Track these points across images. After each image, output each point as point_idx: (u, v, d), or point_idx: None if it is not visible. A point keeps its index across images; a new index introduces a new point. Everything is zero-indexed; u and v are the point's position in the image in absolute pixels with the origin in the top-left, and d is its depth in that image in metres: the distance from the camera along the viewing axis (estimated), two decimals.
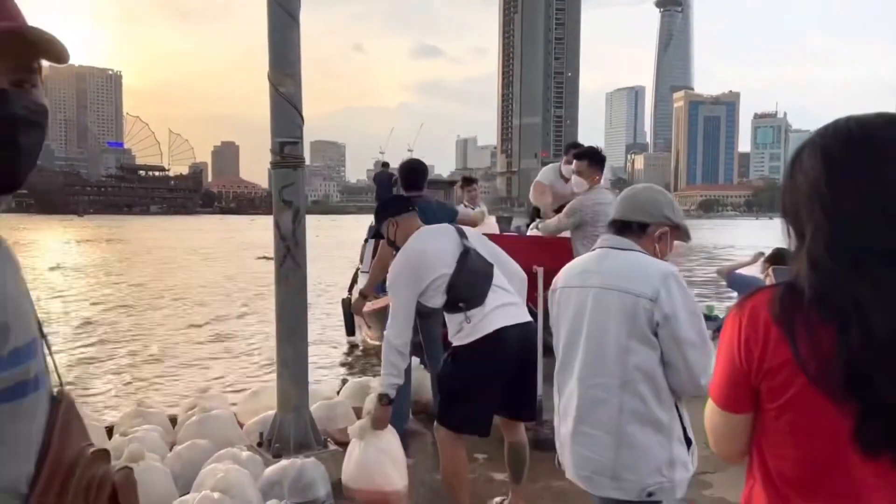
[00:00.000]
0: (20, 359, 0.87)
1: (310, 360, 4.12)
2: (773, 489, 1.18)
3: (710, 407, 1.28)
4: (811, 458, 1.12)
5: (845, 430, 1.05)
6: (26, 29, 0.87)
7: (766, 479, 1.19)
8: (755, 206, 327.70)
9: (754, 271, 6.05)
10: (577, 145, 5.69)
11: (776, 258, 6.12)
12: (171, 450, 3.86)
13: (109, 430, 4.29)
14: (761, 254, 6.09)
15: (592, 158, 4.96)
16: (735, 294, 6.17)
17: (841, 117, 1.16)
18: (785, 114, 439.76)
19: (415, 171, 4.88)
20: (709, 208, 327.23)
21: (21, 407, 0.88)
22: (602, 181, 4.96)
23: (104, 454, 1.01)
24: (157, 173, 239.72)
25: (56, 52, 0.90)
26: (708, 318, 6.46)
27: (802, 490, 1.14)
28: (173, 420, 4.50)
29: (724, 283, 6.35)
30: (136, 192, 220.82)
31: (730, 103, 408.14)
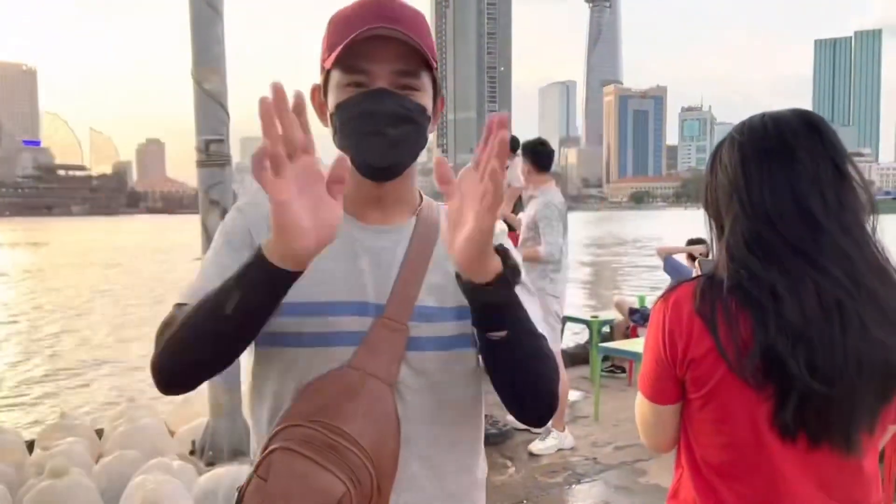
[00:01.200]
0: None
1: (241, 363, 4.02)
2: (699, 476, 1.21)
3: (639, 399, 1.31)
4: (733, 443, 1.16)
5: (764, 414, 1.10)
6: (407, 38, 1.01)
7: (693, 467, 1.22)
8: (683, 196, 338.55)
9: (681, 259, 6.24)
10: (514, 140, 5.34)
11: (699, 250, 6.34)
12: (97, 462, 3.70)
13: (31, 445, 4.08)
14: (699, 240, 6.22)
15: (514, 149, 4.84)
16: (667, 279, 6.35)
17: (757, 114, 1.21)
18: (710, 107, 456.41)
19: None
20: (640, 200, 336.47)
21: None
22: (511, 173, 4.67)
23: None
24: (77, 173, 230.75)
25: (431, 60, 1.05)
26: (635, 310, 6.61)
27: (726, 475, 1.17)
28: (99, 432, 4.31)
29: (659, 266, 6.54)
30: (56, 192, 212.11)
31: (657, 97, 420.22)
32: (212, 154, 3.68)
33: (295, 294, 0.97)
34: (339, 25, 1.06)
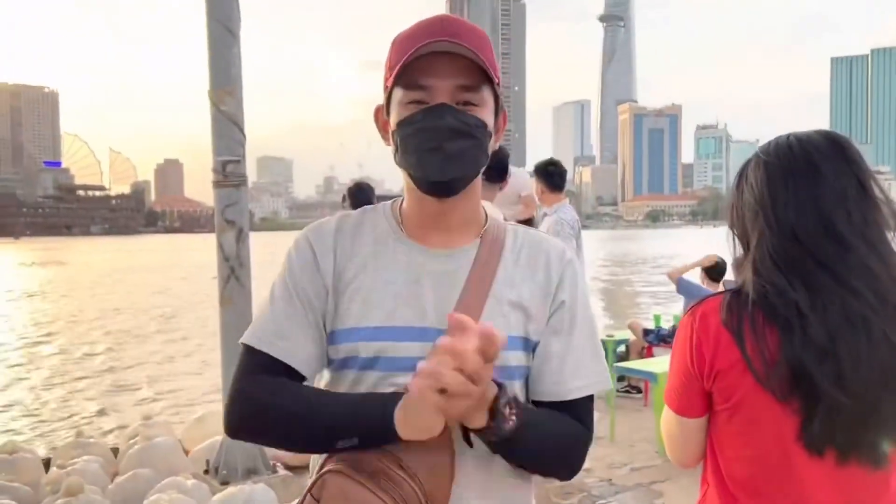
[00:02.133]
0: None
1: None
2: (725, 491, 1.22)
3: (666, 413, 1.32)
4: (759, 457, 1.17)
5: (791, 429, 1.12)
6: (467, 52, 1.02)
7: (719, 481, 1.24)
8: (699, 215, 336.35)
9: (695, 277, 6.18)
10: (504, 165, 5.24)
11: (713, 268, 6.28)
12: (112, 481, 3.71)
13: (47, 463, 4.10)
14: (715, 256, 6.17)
15: (534, 172, 4.90)
16: (682, 299, 6.30)
17: (783, 134, 1.24)
18: (725, 125, 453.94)
19: (362, 190, 5.28)
20: (655, 218, 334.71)
21: None
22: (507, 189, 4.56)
23: None
24: (97, 193, 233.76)
25: (494, 76, 1.06)
26: (649, 331, 6.56)
27: (752, 491, 1.19)
28: (115, 450, 4.32)
29: (672, 287, 6.50)
30: (76, 212, 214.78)
31: (673, 115, 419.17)
32: (228, 174, 3.71)
33: (359, 319, 1.06)
34: (402, 45, 1.06)
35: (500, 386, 0.98)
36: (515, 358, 1.09)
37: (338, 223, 1.15)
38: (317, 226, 1.16)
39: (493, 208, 3.73)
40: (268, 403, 1.04)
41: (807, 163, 1.17)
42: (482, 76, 1.05)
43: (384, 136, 1.14)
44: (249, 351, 1.09)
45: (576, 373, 1.13)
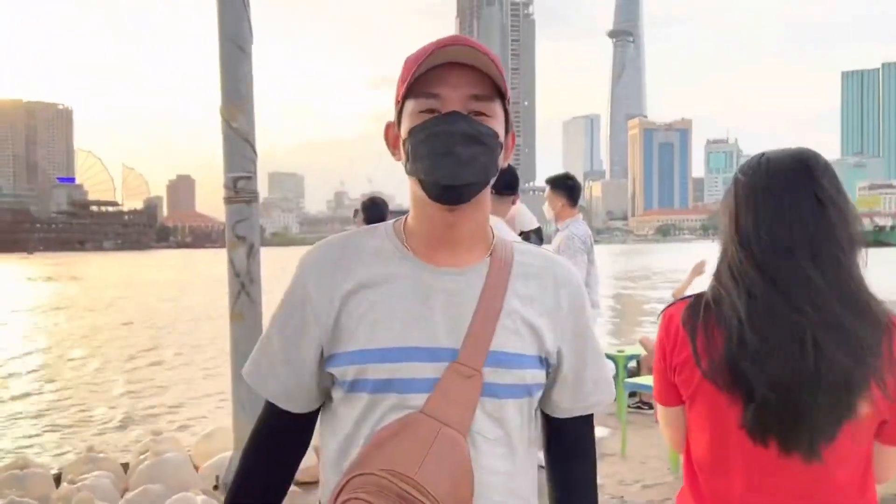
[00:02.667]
0: None
1: None
2: (691, 469, 1.38)
3: (655, 403, 1.48)
4: (712, 441, 1.31)
5: (734, 417, 1.24)
6: (480, 62, 1.04)
7: (688, 461, 1.40)
8: (710, 229, 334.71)
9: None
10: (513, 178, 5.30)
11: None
12: (122, 497, 3.71)
13: (58, 478, 4.11)
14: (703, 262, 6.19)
15: (554, 184, 4.89)
16: None
17: (758, 153, 1.34)
18: (736, 139, 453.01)
19: (376, 205, 5.20)
20: (666, 233, 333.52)
21: None
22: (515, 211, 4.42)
23: None
24: (109, 208, 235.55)
25: (503, 88, 1.07)
26: None
27: (708, 470, 1.34)
28: (125, 466, 4.33)
29: None
30: (89, 228, 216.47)
31: (683, 130, 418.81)
32: (239, 190, 3.74)
33: (370, 341, 1.05)
34: (414, 61, 1.07)
35: None
36: (531, 376, 1.10)
37: (337, 246, 1.14)
38: (315, 255, 1.15)
39: (504, 225, 3.72)
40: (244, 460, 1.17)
41: (768, 181, 1.27)
42: (493, 89, 1.06)
43: (394, 152, 1.14)
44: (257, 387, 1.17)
45: (594, 388, 1.19)
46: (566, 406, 1.19)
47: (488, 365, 1.05)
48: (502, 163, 1.11)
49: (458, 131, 1.03)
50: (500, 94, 1.08)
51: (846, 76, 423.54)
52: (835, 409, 1.18)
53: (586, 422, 1.22)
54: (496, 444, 1.07)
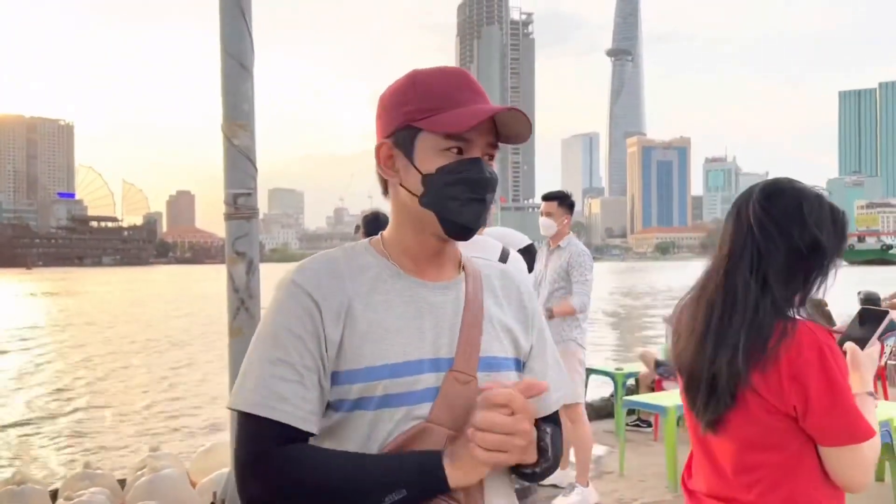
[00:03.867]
0: None
1: None
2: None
3: None
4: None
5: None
6: (505, 112, 1.12)
7: None
8: (709, 247, 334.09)
9: None
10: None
11: None
12: None
13: (54, 495, 4.09)
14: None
15: (562, 200, 4.92)
16: None
17: (755, 184, 1.52)
18: (734, 157, 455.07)
19: (378, 220, 5.06)
20: (665, 250, 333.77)
21: None
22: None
23: None
24: (109, 224, 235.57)
25: (520, 135, 1.16)
26: (661, 363, 6.52)
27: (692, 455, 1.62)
28: (122, 482, 4.31)
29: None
30: (88, 243, 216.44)
31: (681, 148, 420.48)
32: (240, 207, 3.74)
33: (374, 358, 1.08)
34: (432, 91, 1.13)
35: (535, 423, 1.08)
36: (513, 378, 1.17)
37: (327, 265, 1.15)
38: (308, 272, 1.13)
39: (492, 240, 3.67)
40: (303, 479, 1.03)
41: (735, 206, 1.50)
42: (498, 135, 1.16)
43: (387, 172, 1.16)
44: (252, 419, 1.05)
45: (559, 385, 1.28)
46: (537, 404, 1.21)
47: (480, 370, 1.12)
48: None
49: (487, 180, 1.12)
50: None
51: (843, 96, 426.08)
52: (711, 397, 1.44)
53: (554, 420, 1.27)
54: None
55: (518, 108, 1.12)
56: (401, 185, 1.14)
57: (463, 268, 1.22)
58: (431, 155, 1.11)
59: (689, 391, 1.48)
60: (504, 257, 3.17)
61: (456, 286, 1.18)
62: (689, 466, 1.61)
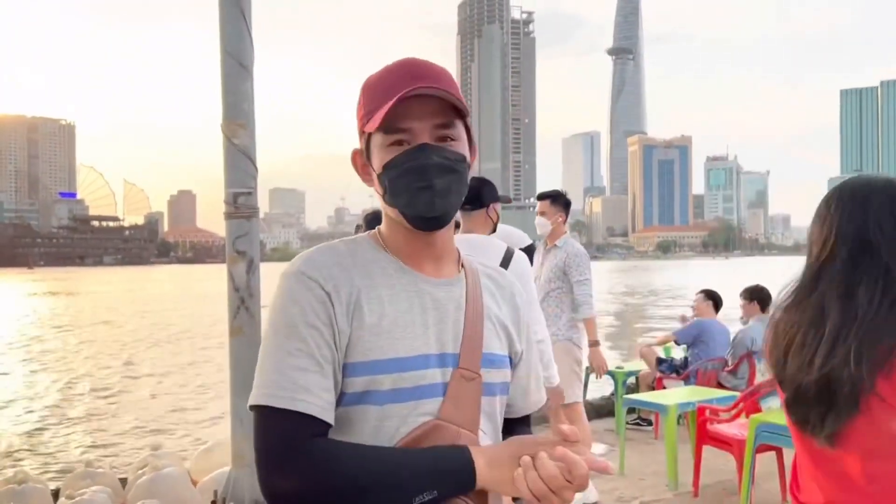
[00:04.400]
0: None
1: None
2: None
3: None
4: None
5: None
6: (445, 94, 1.09)
7: None
8: (710, 245, 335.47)
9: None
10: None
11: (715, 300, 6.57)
12: None
13: (55, 494, 4.10)
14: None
15: (555, 198, 4.88)
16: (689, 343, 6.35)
17: (845, 181, 1.44)
18: (736, 156, 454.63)
19: (378, 219, 5.05)
20: (666, 249, 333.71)
21: None
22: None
23: None
24: (110, 224, 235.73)
25: (465, 111, 1.13)
26: (663, 360, 6.53)
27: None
28: (123, 480, 4.32)
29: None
30: (89, 242, 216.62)
31: (682, 147, 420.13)
32: (240, 206, 3.76)
33: (386, 350, 1.08)
34: (375, 91, 1.13)
35: None
36: (509, 375, 1.22)
37: (334, 256, 1.15)
38: (317, 262, 1.13)
39: (505, 236, 3.67)
40: (338, 472, 1.01)
41: (839, 206, 1.40)
42: (455, 112, 1.12)
43: (364, 178, 1.20)
44: (276, 412, 1.03)
45: (538, 388, 1.32)
46: (518, 405, 1.29)
47: (483, 366, 1.14)
48: (469, 173, 1.17)
49: (431, 164, 1.08)
50: (461, 115, 1.13)
51: (845, 94, 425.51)
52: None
53: (528, 422, 1.33)
54: (488, 439, 1.16)
55: (426, 76, 1.10)
56: (375, 188, 1.17)
57: (462, 266, 1.23)
58: (381, 153, 1.12)
59: (798, 405, 1.37)
60: (509, 257, 3.16)
61: (458, 283, 1.19)
62: (795, 478, 1.52)
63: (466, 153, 1.15)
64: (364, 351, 1.07)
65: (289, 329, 1.07)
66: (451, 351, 1.12)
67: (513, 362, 1.24)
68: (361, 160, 1.19)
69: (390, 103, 1.06)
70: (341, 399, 1.08)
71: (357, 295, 1.10)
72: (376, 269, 1.14)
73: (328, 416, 1.05)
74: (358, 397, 1.07)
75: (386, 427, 1.07)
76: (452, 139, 1.12)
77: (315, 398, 1.04)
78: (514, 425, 1.28)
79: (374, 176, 1.15)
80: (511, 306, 1.26)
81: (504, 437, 1.26)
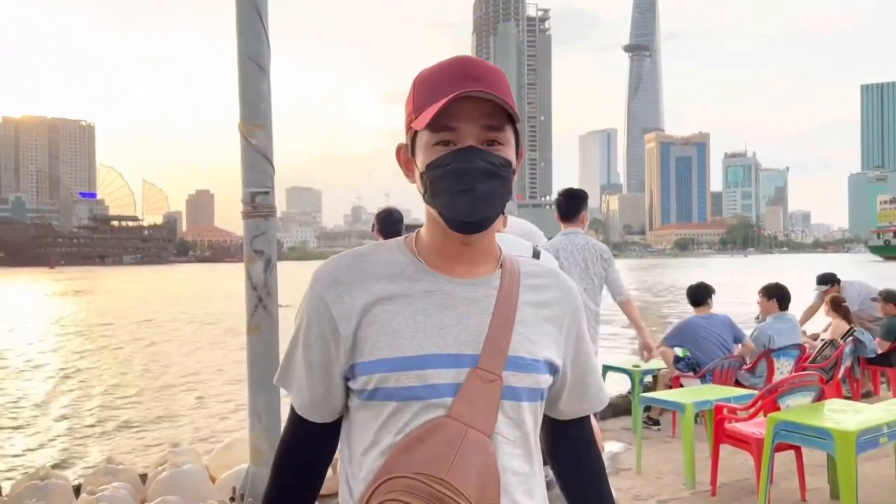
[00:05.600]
0: None
1: (283, 411, 4.06)
2: None
3: None
4: None
5: None
6: (497, 98, 1.06)
7: None
8: (729, 243, 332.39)
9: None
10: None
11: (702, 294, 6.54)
12: None
13: (77, 489, 4.17)
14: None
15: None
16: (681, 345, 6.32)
17: None
18: (754, 153, 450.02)
19: (391, 217, 5.08)
20: (684, 247, 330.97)
21: None
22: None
23: None
24: (130, 223, 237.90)
25: (516, 117, 1.10)
26: (680, 359, 6.49)
27: None
28: (143, 476, 4.38)
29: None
30: (109, 242, 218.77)
31: (700, 143, 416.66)
32: (257, 205, 3.79)
33: (394, 349, 1.09)
34: (427, 87, 1.11)
35: None
36: (544, 380, 1.17)
37: (351, 261, 1.17)
38: (330, 268, 1.17)
39: (524, 233, 3.70)
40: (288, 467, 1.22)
41: None
42: (505, 116, 1.09)
43: (407, 174, 1.18)
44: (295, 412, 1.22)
45: (597, 391, 1.29)
46: (573, 409, 1.28)
47: (507, 369, 1.11)
48: (514, 178, 1.15)
49: (476, 168, 1.06)
50: (512, 119, 1.10)
51: (865, 89, 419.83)
52: None
53: (588, 420, 1.31)
54: (515, 446, 1.12)
55: (481, 77, 1.08)
56: (417, 185, 1.15)
57: (501, 265, 1.20)
58: (426, 152, 1.10)
59: None
60: (535, 257, 3.18)
61: (488, 283, 1.16)
62: None
63: (513, 158, 1.12)
64: (372, 350, 1.10)
65: (296, 325, 1.20)
66: (469, 352, 1.11)
67: (556, 367, 1.20)
68: (405, 156, 1.17)
69: (440, 103, 1.04)
70: (357, 395, 1.13)
71: (369, 298, 1.12)
72: (392, 271, 1.15)
73: (312, 415, 1.19)
74: (369, 394, 1.11)
75: (393, 423, 1.09)
76: (500, 143, 1.09)
77: (295, 392, 1.19)
78: (572, 425, 1.29)
79: (417, 174, 1.13)
80: (558, 307, 1.22)
81: (557, 438, 1.30)
